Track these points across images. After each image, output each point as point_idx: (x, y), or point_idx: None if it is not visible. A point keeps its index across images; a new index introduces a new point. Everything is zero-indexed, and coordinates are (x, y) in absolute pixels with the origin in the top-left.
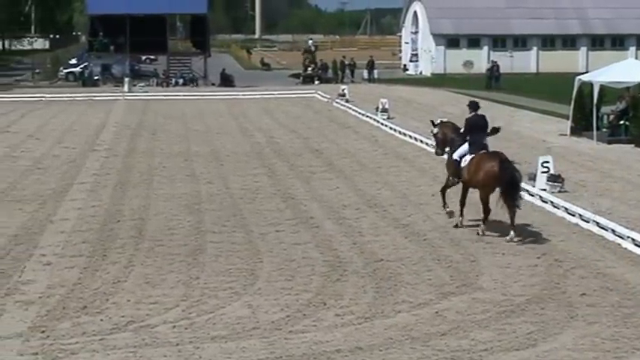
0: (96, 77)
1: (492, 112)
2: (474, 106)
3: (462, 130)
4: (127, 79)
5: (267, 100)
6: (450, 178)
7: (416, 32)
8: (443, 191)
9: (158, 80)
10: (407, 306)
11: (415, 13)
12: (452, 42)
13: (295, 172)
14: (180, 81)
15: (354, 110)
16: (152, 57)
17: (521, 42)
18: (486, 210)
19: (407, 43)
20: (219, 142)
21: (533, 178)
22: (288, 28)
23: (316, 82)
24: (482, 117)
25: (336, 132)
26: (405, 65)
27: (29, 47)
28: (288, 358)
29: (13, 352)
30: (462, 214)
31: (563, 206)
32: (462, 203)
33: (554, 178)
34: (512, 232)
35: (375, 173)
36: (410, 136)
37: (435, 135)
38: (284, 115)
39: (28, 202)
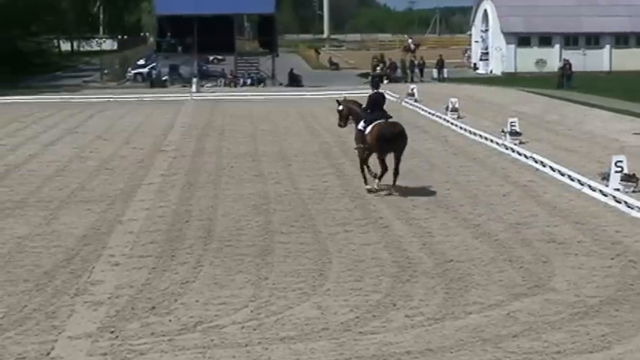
0: (164, 78)
1: (565, 111)
2: (375, 85)
3: (364, 106)
4: (194, 80)
5: (335, 100)
6: (361, 146)
7: (486, 31)
8: (362, 166)
9: (226, 80)
10: (478, 307)
11: (485, 11)
12: (523, 40)
13: None
14: (248, 81)
15: (423, 110)
16: (220, 57)
17: (593, 40)
18: (384, 168)
19: (477, 41)
20: (287, 142)
21: (606, 177)
22: (356, 27)
23: (385, 82)
24: (382, 94)
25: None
26: (475, 64)
27: (97, 48)
28: None
29: (83, 352)
30: (373, 176)
31: (637, 206)
32: (367, 165)
33: (628, 178)
34: (376, 181)
35: (445, 173)
36: (480, 136)
37: (340, 111)
38: None
39: (97, 203)
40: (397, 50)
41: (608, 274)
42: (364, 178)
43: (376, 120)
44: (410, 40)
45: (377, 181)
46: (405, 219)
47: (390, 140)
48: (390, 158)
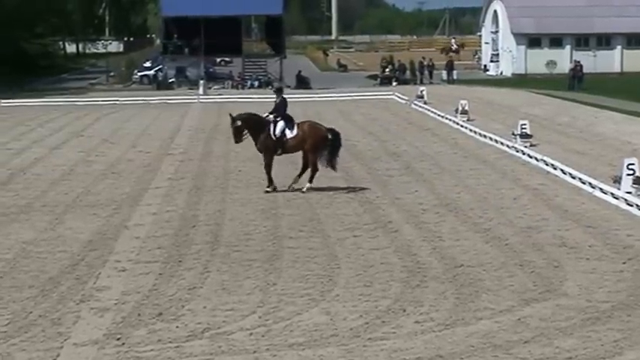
0: (170, 80)
1: (576, 112)
2: (279, 92)
3: (269, 114)
4: (201, 82)
5: (344, 102)
6: (268, 155)
7: (496, 32)
8: (268, 169)
9: (233, 83)
10: (488, 313)
11: (495, 12)
12: (533, 41)
13: (373, 175)
14: (256, 83)
15: (432, 112)
16: (227, 59)
17: (604, 41)
18: (315, 169)
19: (487, 43)
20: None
21: (618, 180)
22: (365, 28)
23: (394, 84)
24: (285, 100)
25: (414, 134)
26: (485, 66)
27: (103, 50)
28: None
29: (89, 359)
30: (272, 181)
31: None
32: (270, 170)
33: None
34: (308, 184)
35: (455, 176)
36: (490, 138)
37: (237, 127)
38: (361, 118)
39: (103, 207)
40: (406, 51)
41: (620, 279)
42: (270, 179)
43: (291, 123)
44: (453, 41)
45: (309, 184)
46: (415, 223)
47: (328, 139)
48: (299, 155)
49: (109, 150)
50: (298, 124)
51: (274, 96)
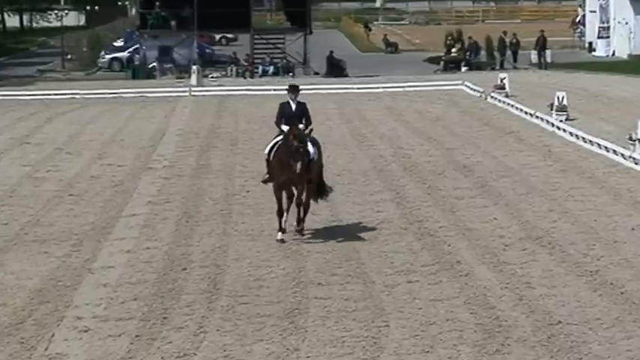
0: (151, 65)
1: None
2: (296, 90)
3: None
4: (194, 68)
5: (394, 96)
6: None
7: None
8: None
9: (239, 69)
10: None
11: None
12: None
13: (434, 197)
14: (270, 69)
15: (517, 108)
16: (230, 36)
17: None
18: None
19: (593, 11)
20: (326, 156)
21: None
22: None
23: (464, 69)
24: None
25: (492, 140)
26: (590, 44)
27: (57, 24)
28: None
29: None
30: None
31: None
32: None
33: None
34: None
35: (549, 198)
36: (599, 145)
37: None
38: (417, 117)
39: (57, 243)
40: (480, 24)
41: None
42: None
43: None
44: (579, 10)
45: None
46: (494, 264)
47: None
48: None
49: (66, 163)
50: None
51: (290, 95)
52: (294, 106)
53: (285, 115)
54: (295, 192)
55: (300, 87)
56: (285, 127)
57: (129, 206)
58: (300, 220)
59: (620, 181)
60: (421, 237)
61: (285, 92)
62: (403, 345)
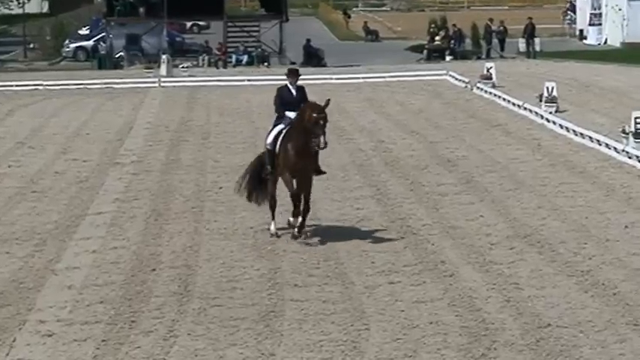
0: (118, 55)
1: None
2: (296, 74)
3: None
4: (164, 57)
5: (374, 87)
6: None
7: None
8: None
9: (211, 58)
10: None
11: None
12: None
13: (417, 193)
14: (244, 59)
15: (504, 100)
16: (201, 23)
17: None
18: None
19: None
20: None
21: None
22: None
23: (448, 59)
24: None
25: (478, 133)
26: (581, 31)
27: (19, 11)
28: None
29: None
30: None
31: None
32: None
33: None
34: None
35: (538, 194)
36: (591, 139)
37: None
38: (399, 109)
39: (19, 243)
40: (465, 11)
41: None
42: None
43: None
44: None
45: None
46: (479, 263)
47: None
48: None
49: (28, 158)
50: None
51: (290, 79)
52: (294, 91)
53: (284, 100)
54: (300, 184)
55: (276, 77)
56: (290, 114)
57: (95, 204)
58: (303, 223)
59: (612, 176)
60: (403, 235)
61: (284, 77)
62: (384, 349)
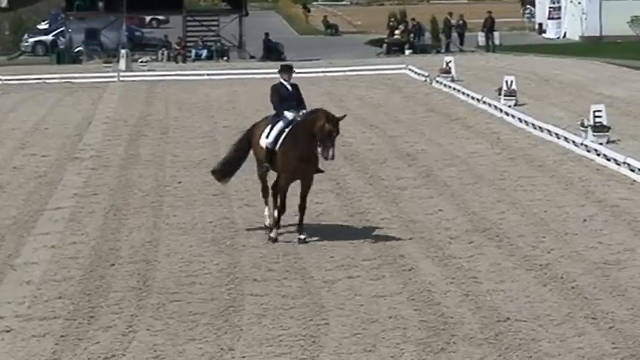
0: (77, 49)
1: None
2: (289, 70)
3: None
4: (123, 52)
5: (334, 81)
6: None
7: None
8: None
9: (170, 53)
10: None
11: None
12: None
13: (376, 187)
14: (204, 53)
15: (464, 94)
16: (161, 18)
17: None
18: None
19: None
20: None
21: None
22: None
23: (407, 53)
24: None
25: (437, 127)
26: (540, 25)
27: None
28: None
29: None
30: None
31: None
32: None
33: None
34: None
35: (497, 188)
36: (549, 132)
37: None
38: (359, 103)
39: None
40: (425, 5)
41: None
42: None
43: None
44: None
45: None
46: (439, 257)
47: None
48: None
49: None
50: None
51: (284, 75)
52: (289, 87)
53: (281, 97)
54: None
55: (235, 71)
56: (289, 114)
57: (53, 199)
58: (301, 225)
59: (571, 169)
60: (362, 230)
61: (278, 73)
62: (344, 344)
